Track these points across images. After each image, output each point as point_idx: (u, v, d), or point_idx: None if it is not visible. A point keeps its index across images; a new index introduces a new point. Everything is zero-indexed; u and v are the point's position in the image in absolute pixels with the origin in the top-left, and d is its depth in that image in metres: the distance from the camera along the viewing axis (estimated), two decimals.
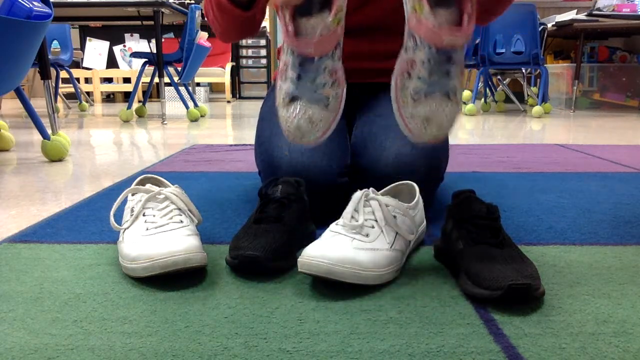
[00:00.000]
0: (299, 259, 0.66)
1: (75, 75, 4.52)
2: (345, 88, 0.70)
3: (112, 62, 5.20)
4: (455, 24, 0.60)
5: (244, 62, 5.51)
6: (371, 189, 0.74)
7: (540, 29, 3.45)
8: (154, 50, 2.97)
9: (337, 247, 0.66)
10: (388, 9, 1.04)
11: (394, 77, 0.67)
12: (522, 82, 4.24)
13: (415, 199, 0.80)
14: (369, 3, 1.03)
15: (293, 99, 0.67)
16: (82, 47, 5.11)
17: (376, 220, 0.71)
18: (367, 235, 0.69)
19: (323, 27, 0.62)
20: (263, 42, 5.52)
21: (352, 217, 0.71)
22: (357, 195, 0.73)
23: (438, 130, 0.65)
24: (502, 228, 0.71)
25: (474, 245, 0.68)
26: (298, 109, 0.67)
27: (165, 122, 3.05)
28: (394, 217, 0.72)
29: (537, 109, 3.35)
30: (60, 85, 4.19)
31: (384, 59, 1.08)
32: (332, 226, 0.72)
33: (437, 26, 0.59)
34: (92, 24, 4.89)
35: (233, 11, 0.86)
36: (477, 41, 3.46)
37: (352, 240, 0.68)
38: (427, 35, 0.60)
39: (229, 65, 5.03)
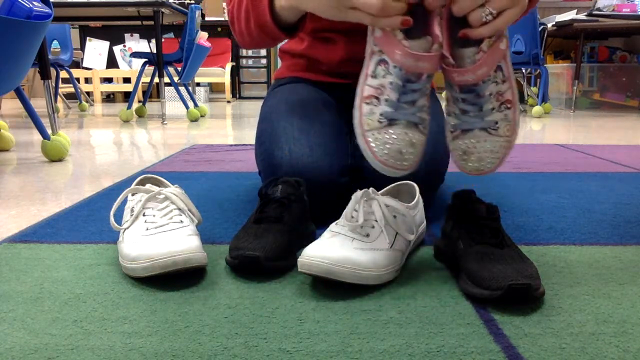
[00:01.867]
0: (299, 259, 0.66)
1: (75, 75, 4.52)
2: None
3: (112, 62, 5.20)
4: (472, 63, 0.64)
5: (244, 62, 5.51)
6: (371, 189, 0.74)
7: (540, 29, 3.46)
8: (154, 50, 2.97)
9: (337, 247, 0.66)
10: None
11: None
12: (522, 82, 4.24)
13: (415, 199, 0.80)
14: None
15: (391, 122, 0.66)
16: (82, 47, 5.11)
17: (376, 220, 0.71)
18: (367, 235, 0.69)
19: (435, 48, 0.64)
20: None
21: (352, 217, 0.71)
22: (357, 195, 0.73)
23: (479, 164, 0.67)
24: (502, 228, 0.71)
25: (474, 245, 0.68)
26: (399, 132, 0.66)
27: (165, 122, 3.05)
28: (394, 217, 0.72)
29: (537, 109, 3.35)
30: (60, 85, 4.19)
31: None
32: (332, 226, 0.72)
33: (451, 66, 0.64)
34: (92, 24, 4.90)
35: (277, 34, 0.85)
36: None
37: (352, 240, 0.68)
38: (446, 75, 0.66)
39: (229, 65, 5.03)
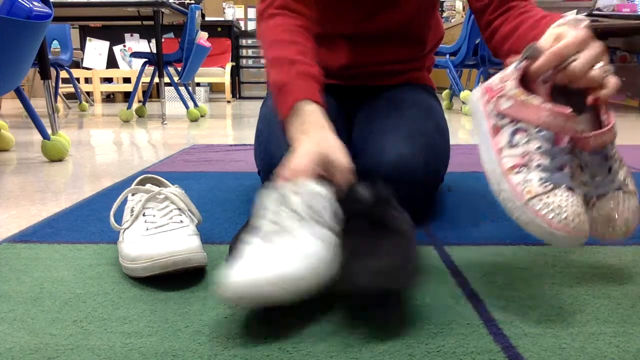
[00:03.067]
0: (217, 291, 0.57)
1: (75, 75, 4.52)
2: None
3: (112, 62, 5.20)
4: (595, 127, 0.65)
5: (244, 62, 5.51)
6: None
7: None
8: (154, 50, 2.97)
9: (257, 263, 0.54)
10: (409, 14, 1.02)
11: None
12: None
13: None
14: (388, 9, 1.02)
15: (555, 186, 0.60)
16: (82, 47, 5.11)
17: (289, 217, 0.60)
18: (281, 237, 0.58)
19: (571, 111, 0.63)
20: None
21: (262, 219, 0.61)
22: (262, 192, 0.64)
23: (626, 225, 0.66)
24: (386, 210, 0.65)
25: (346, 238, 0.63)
26: (567, 193, 0.59)
27: (165, 122, 3.05)
28: (310, 206, 0.61)
29: None
30: (60, 85, 4.20)
31: (390, 63, 1.07)
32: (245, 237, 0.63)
33: (581, 133, 0.63)
34: (92, 24, 4.90)
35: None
36: (477, 41, 3.46)
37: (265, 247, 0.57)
38: (576, 143, 0.65)
39: (229, 65, 5.03)
